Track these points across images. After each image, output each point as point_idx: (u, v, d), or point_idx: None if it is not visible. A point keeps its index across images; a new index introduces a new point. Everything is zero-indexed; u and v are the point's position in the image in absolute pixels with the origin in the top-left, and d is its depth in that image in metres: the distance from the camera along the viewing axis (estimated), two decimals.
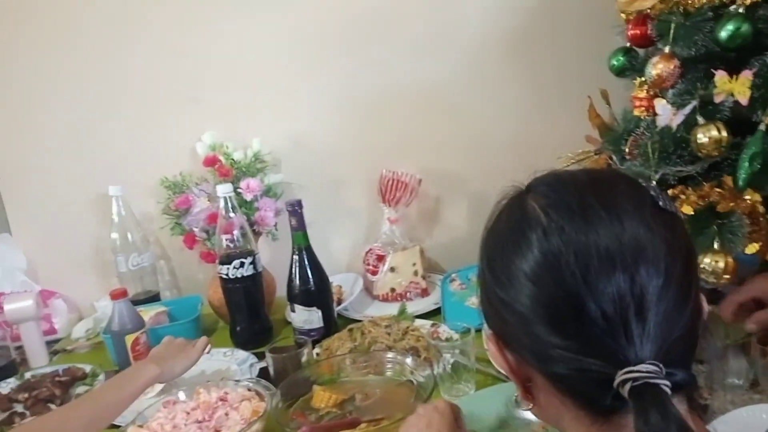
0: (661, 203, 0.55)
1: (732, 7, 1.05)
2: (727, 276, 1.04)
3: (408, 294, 1.52)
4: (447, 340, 1.13)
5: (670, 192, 1.10)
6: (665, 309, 0.49)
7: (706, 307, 0.56)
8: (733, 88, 1.04)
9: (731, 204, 1.03)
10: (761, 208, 1.01)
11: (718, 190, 1.05)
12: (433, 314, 1.43)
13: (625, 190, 0.56)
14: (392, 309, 1.43)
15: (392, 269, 1.54)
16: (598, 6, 1.38)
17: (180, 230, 1.51)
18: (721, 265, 1.03)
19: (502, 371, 0.62)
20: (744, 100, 1.03)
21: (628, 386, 0.47)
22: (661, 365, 0.48)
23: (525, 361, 0.57)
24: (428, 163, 1.65)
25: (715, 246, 1.04)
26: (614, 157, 1.30)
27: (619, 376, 0.48)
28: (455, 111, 1.64)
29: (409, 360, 1.10)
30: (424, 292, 1.53)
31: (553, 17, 1.56)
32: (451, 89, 1.62)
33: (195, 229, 1.47)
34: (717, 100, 1.06)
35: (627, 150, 1.21)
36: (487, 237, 0.61)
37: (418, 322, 1.33)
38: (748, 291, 0.95)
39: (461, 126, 1.65)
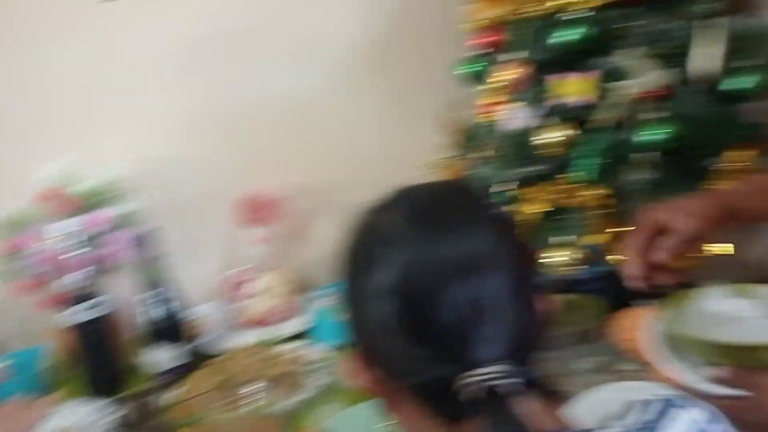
0: (496, 211, 0.59)
1: (572, 14, 1.11)
2: (580, 267, 1.09)
3: (279, 317, 1.47)
4: (317, 360, 1.09)
5: (520, 192, 1.14)
6: (507, 311, 0.52)
7: (548, 303, 0.59)
8: (578, 89, 1.10)
9: (577, 199, 1.09)
10: (601, 202, 1.07)
11: (564, 187, 1.10)
12: (307, 334, 1.39)
13: (470, 200, 0.60)
14: (262, 335, 1.37)
15: (261, 293, 1.49)
16: (449, 15, 1.41)
17: (12, 275, 1.36)
18: (569, 257, 1.08)
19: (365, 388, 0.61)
20: (588, 100, 1.09)
21: (471, 389, 0.49)
22: (509, 365, 0.50)
23: (388, 375, 0.57)
24: (295, 179, 1.61)
25: (566, 239, 1.09)
26: (467, 163, 1.33)
27: (461, 380, 0.49)
28: (321, 125, 1.62)
29: (275, 389, 1.05)
30: (296, 312, 1.49)
31: (408, 29, 1.59)
32: (316, 103, 1.59)
33: (32, 273, 1.33)
34: (563, 102, 1.11)
35: (478, 155, 1.24)
36: (344, 256, 0.62)
37: (288, 345, 1.28)
38: (647, 228, 0.83)
39: (327, 140, 1.63)
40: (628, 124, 1.07)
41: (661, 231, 0.79)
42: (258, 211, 1.54)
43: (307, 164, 1.62)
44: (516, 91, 1.19)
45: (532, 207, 1.11)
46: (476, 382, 0.49)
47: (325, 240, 1.65)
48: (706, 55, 1.05)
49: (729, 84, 1.05)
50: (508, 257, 0.54)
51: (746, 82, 1.05)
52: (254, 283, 1.48)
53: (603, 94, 1.09)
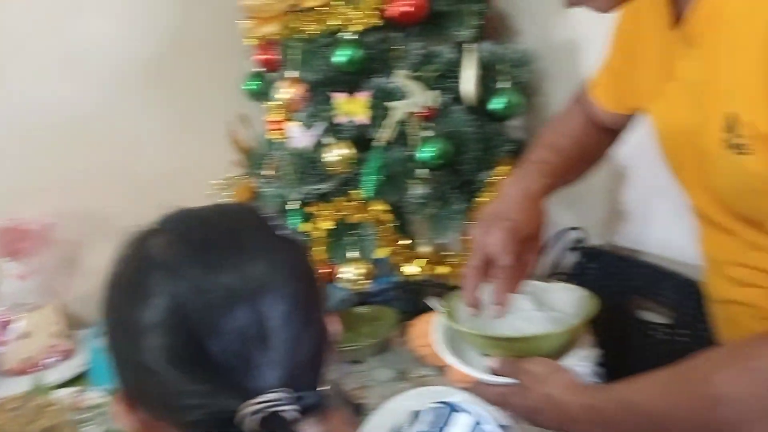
0: (280, 232, 0.56)
1: (344, 35, 1.14)
2: (368, 281, 1.13)
3: (47, 361, 1.29)
4: (94, 407, 0.97)
5: (307, 210, 1.15)
6: (290, 335, 0.50)
7: (337, 326, 0.57)
8: (353, 108, 1.13)
9: (361, 215, 1.12)
10: (386, 216, 1.11)
11: (349, 203, 1.13)
12: (83, 378, 1.24)
13: (249, 223, 0.57)
14: (27, 383, 1.19)
15: (25, 335, 1.30)
16: (229, 29, 1.36)
17: None
18: (361, 271, 1.11)
19: None
20: (363, 119, 1.13)
21: (252, 419, 0.46)
22: (289, 390, 0.48)
23: (158, 416, 0.52)
24: (62, 205, 1.43)
25: (353, 255, 1.12)
26: (257, 181, 1.31)
27: (240, 411, 0.46)
28: (92, 144, 1.46)
29: None
30: (68, 354, 1.32)
31: (186, 40, 1.50)
32: (86, 121, 1.44)
33: None
34: (340, 120, 1.14)
35: (267, 173, 1.23)
36: (109, 287, 0.55)
37: (60, 392, 1.13)
38: (477, 260, 0.81)
39: (100, 160, 1.48)
40: (402, 143, 1.14)
41: (489, 263, 0.80)
42: (16, 241, 1.35)
43: (80, 186, 1.46)
44: (294, 110, 1.19)
45: (322, 224, 1.12)
46: (257, 411, 0.46)
47: (101, 271, 1.52)
48: (469, 78, 1.15)
49: (492, 104, 1.17)
50: (290, 280, 0.52)
51: (499, 102, 1.17)
52: (19, 323, 1.29)
53: (376, 113, 1.13)
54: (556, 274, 1.33)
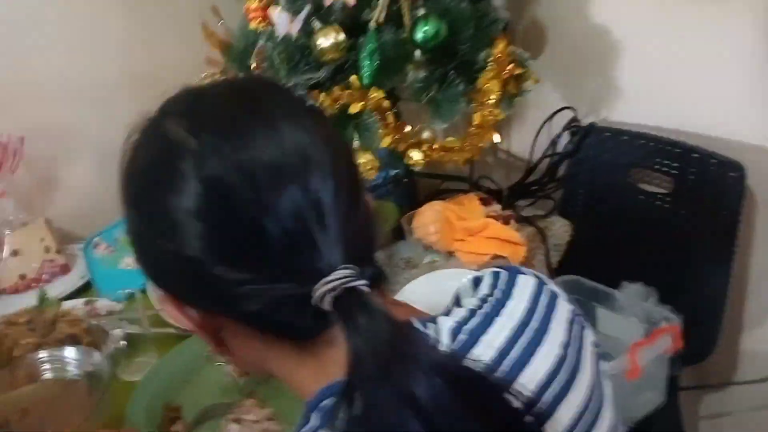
0: (308, 103, 0.52)
1: None
2: (372, 170, 1.10)
3: (44, 277, 1.26)
4: (110, 313, 0.96)
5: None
6: (343, 210, 0.46)
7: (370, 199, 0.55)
8: None
9: (361, 103, 1.08)
10: (386, 103, 1.08)
11: (347, 91, 1.08)
12: (84, 290, 1.22)
13: (272, 94, 0.52)
14: (29, 300, 1.16)
15: (15, 252, 1.25)
16: None
17: None
18: (364, 161, 1.09)
19: (187, 329, 0.54)
20: (351, 0, 1.06)
21: (328, 298, 0.44)
22: (353, 266, 0.45)
23: (211, 312, 0.50)
24: (30, 119, 1.34)
25: (356, 145, 1.09)
26: (241, 75, 1.24)
27: (317, 290, 0.44)
28: (55, 50, 1.34)
29: (68, 352, 0.90)
30: (65, 269, 1.29)
31: None
32: (47, 22, 1.31)
33: None
34: (326, 2, 1.07)
35: (254, 65, 1.16)
36: (128, 182, 0.50)
37: (68, 304, 1.11)
38: None
39: (63, 71, 1.36)
40: (394, 24, 1.08)
41: None
42: None
43: (46, 100, 1.37)
44: None
45: None
46: (330, 290, 0.44)
47: (85, 183, 1.46)
48: None
49: None
50: (331, 152, 0.48)
51: None
52: (7, 241, 1.24)
53: None
54: (551, 155, 1.34)
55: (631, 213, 1.21)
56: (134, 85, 1.43)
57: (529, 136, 1.41)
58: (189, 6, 1.32)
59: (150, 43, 1.44)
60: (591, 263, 1.26)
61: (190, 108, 0.50)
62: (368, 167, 1.07)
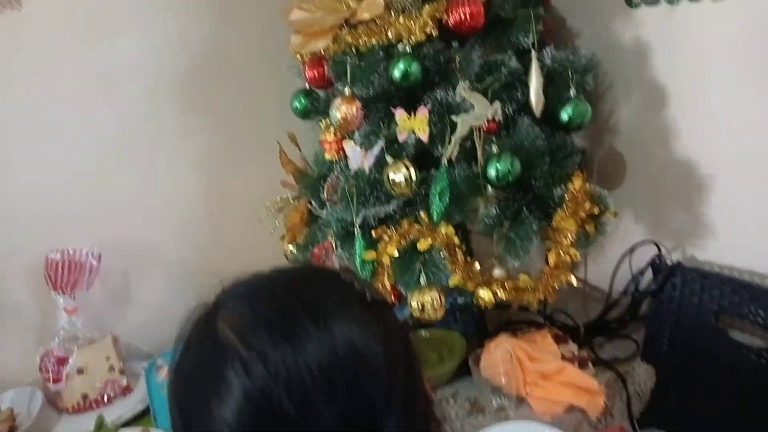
0: (368, 295, 0.50)
1: (399, 46, 1.08)
2: (440, 310, 1.05)
3: (106, 397, 1.25)
4: None
5: (373, 234, 1.08)
6: (398, 410, 0.45)
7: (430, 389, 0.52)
8: (413, 125, 1.07)
9: (429, 240, 1.05)
10: (456, 240, 1.04)
11: (416, 226, 1.06)
12: (143, 416, 1.20)
13: (329, 289, 0.51)
14: (89, 421, 1.15)
15: (80, 371, 1.26)
16: (274, 45, 1.29)
17: None
18: (431, 299, 1.04)
19: None
20: (424, 136, 1.06)
21: None
22: None
23: None
24: (106, 234, 1.39)
25: (422, 282, 1.05)
26: (313, 203, 1.25)
27: None
28: (133, 169, 1.41)
29: None
30: (126, 390, 1.28)
31: (228, 57, 1.45)
32: (127, 143, 1.39)
33: None
34: (400, 138, 1.08)
35: (325, 195, 1.17)
36: (175, 378, 0.50)
37: (124, 431, 1.09)
38: None
39: (143, 186, 1.43)
40: (467, 160, 1.07)
41: None
42: (66, 274, 1.31)
43: (123, 215, 1.42)
44: (350, 128, 1.13)
45: (388, 249, 1.06)
46: None
47: (156, 299, 1.47)
48: (537, 87, 1.08)
49: (562, 114, 1.09)
50: (392, 345, 0.47)
51: (568, 112, 1.10)
52: (73, 358, 1.25)
53: (438, 129, 1.06)
54: (633, 293, 1.25)
55: (722, 363, 1.09)
56: (210, 203, 1.47)
57: (608, 267, 1.33)
58: (270, 128, 1.37)
59: (229, 162, 1.49)
60: (677, 416, 1.14)
61: (242, 304, 0.49)
62: (434, 306, 1.03)
